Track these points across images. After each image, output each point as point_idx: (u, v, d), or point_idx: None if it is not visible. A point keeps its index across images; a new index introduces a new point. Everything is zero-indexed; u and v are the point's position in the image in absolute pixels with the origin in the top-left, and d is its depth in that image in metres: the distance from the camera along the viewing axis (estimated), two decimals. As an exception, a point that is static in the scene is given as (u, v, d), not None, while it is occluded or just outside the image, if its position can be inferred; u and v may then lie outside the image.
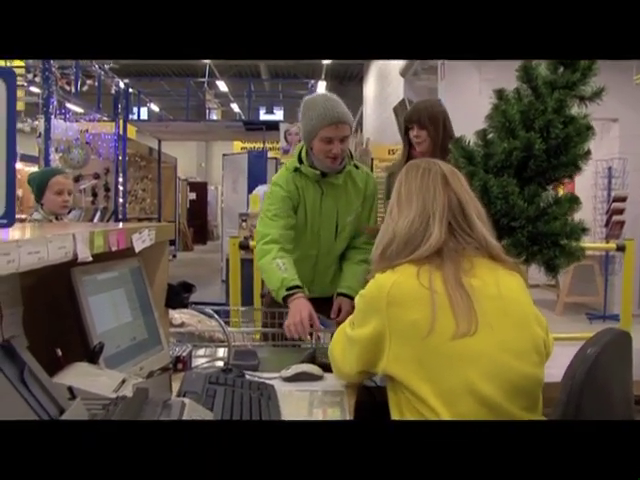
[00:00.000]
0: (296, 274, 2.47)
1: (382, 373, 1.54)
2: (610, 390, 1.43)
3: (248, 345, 2.53)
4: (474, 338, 1.41)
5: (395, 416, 1.55)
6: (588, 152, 2.22)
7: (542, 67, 2.35)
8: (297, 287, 2.43)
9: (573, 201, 2.21)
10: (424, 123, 2.84)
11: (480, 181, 2.16)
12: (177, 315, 2.60)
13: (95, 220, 11.21)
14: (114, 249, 1.48)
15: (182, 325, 2.56)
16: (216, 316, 1.95)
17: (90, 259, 1.31)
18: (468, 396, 1.41)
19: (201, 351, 2.26)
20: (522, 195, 2.17)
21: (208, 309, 2.00)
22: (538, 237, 2.15)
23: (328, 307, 2.74)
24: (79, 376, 1.29)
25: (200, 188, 22.27)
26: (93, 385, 1.26)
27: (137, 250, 1.63)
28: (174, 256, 16.58)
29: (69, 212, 8.92)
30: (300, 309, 2.34)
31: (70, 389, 1.19)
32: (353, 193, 2.74)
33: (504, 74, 9.03)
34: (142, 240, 1.64)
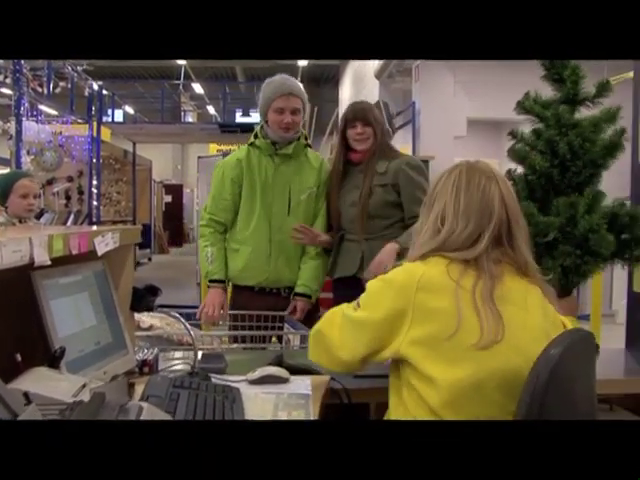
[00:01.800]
0: (220, 265, 2.90)
1: (391, 356, 1.54)
2: (573, 390, 1.44)
3: (218, 348, 2.53)
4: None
5: (393, 400, 1.60)
6: (613, 147, 2.25)
7: (534, 94, 2.40)
8: (217, 281, 2.89)
9: (598, 196, 2.24)
10: (370, 120, 2.80)
11: None
12: (145, 318, 2.59)
13: (68, 223, 11.11)
14: (75, 252, 1.47)
15: (150, 328, 2.54)
16: (182, 319, 1.94)
17: (48, 263, 1.30)
18: (475, 394, 1.44)
19: (171, 354, 2.24)
20: (545, 212, 2.23)
21: (174, 312, 1.99)
22: (572, 241, 2.19)
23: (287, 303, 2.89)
24: (37, 381, 1.28)
25: (176, 190, 22.16)
26: (51, 390, 1.24)
27: (100, 253, 1.61)
28: (149, 259, 16.48)
29: (41, 215, 8.85)
30: (214, 300, 2.84)
31: (26, 394, 1.18)
32: (307, 170, 2.92)
33: (478, 76, 9.11)
34: (105, 243, 1.63)
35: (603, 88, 2.28)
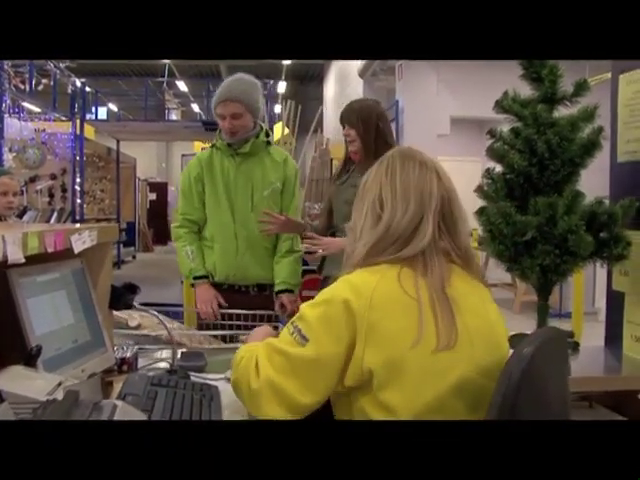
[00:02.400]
0: (202, 262, 2.96)
1: (353, 382, 1.36)
2: (546, 389, 1.43)
3: (208, 346, 2.50)
4: (451, 352, 1.33)
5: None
6: (591, 146, 2.25)
7: (513, 94, 2.40)
8: (202, 277, 2.95)
9: (577, 196, 2.24)
10: (353, 122, 2.83)
11: (485, 215, 2.25)
12: (136, 316, 2.55)
13: (52, 221, 11.04)
14: (50, 250, 1.45)
15: (139, 327, 2.50)
16: (160, 317, 1.93)
17: (22, 261, 1.29)
18: (437, 414, 1.35)
19: (158, 354, 2.22)
20: (524, 210, 2.23)
21: (153, 309, 1.98)
22: (551, 240, 2.19)
23: (265, 300, 2.92)
24: (11, 380, 1.27)
25: (160, 188, 22.05)
26: (25, 389, 1.23)
27: (76, 251, 1.60)
28: (134, 257, 16.41)
29: (24, 213, 8.76)
30: (205, 296, 2.91)
31: (-1, 393, 1.17)
32: (270, 166, 2.98)
33: (461, 75, 9.12)
34: (82, 241, 1.62)
35: (581, 87, 2.30)
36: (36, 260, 1.55)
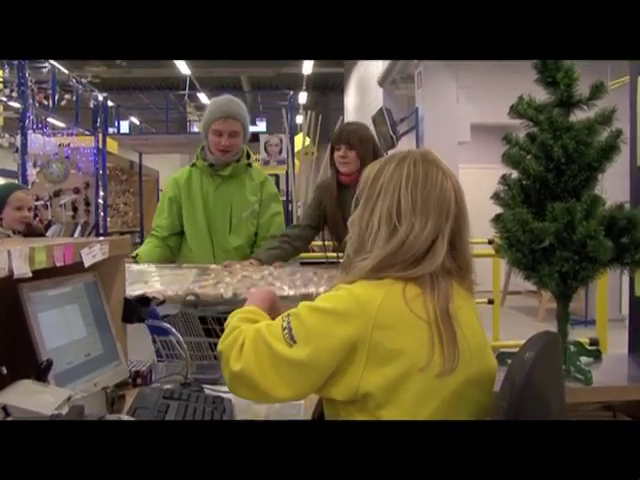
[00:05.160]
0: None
1: (342, 397, 1.34)
2: (547, 392, 1.41)
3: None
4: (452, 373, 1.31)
5: None
6: (609, 149, 2.19)
7: (528, 98, 2.36)
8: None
9: (594, 201, 2.18)
10: (354, 143, 2.85)
11: (502, 222, 2.21)
12: None
13: (76, 235, 11.14)
14: (59, 264, 1.45)
15: None
16: (173, 330, 1.92)
17: (28, 275, 1.29)
18: None
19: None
20: (541, 217, 2.19)
21: (165, 323, 1.97)
22: (570, 246, 2.14)
23: None
24: (20, 394, 1.27)
25: (183, 201, 22.17)
26: (32, 403, 1.23)
27: (86, 265, 1.60)
28: (157, 269, 16.47)
29: (48, 227, 8.84)
30: None
31: (4, 408, 1.17)
32: (249, 188, 2.96)
33: (481, 82, 9.05)
34: (92, 255, 1.62)
35: (597, 90, 2.25)
36: (50, 274, 1.55)
